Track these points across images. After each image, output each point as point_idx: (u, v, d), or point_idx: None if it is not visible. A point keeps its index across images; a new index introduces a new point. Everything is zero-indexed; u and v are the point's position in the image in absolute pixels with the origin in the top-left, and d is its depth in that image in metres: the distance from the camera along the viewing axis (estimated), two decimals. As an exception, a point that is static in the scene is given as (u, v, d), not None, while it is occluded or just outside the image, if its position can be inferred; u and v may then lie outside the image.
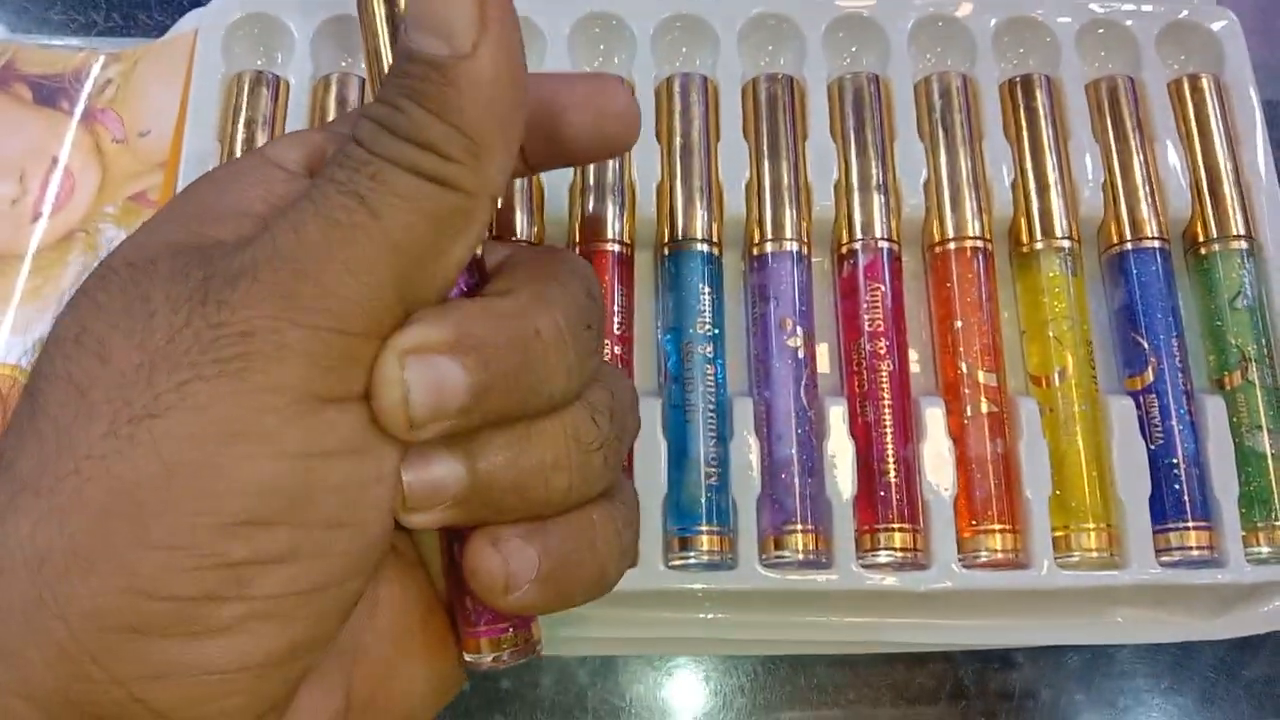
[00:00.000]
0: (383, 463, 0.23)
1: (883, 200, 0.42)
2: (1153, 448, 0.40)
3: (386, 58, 0.25)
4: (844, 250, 0.42)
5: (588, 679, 0.41)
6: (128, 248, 0.24)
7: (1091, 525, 0.39)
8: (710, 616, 0.40)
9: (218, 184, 0.26)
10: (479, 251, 0.26)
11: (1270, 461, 0.40)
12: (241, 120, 0.43)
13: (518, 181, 0.41)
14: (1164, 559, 0.39)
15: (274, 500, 0.21)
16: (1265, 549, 0.39)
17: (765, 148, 0.43)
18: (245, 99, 0.44)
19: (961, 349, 0.41)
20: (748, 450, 0.39)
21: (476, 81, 0.22)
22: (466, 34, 0.23)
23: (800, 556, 0.38)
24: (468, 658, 0.26)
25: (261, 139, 0.43)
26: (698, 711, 0.41)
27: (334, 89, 0.44)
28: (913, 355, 0.42)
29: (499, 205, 0.24)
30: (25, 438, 0.21)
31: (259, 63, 0.45)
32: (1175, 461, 0.40)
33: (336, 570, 0.22)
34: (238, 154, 0.43)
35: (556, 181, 0.42)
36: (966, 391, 0.40)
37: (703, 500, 0.39)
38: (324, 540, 0.22)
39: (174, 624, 0.20)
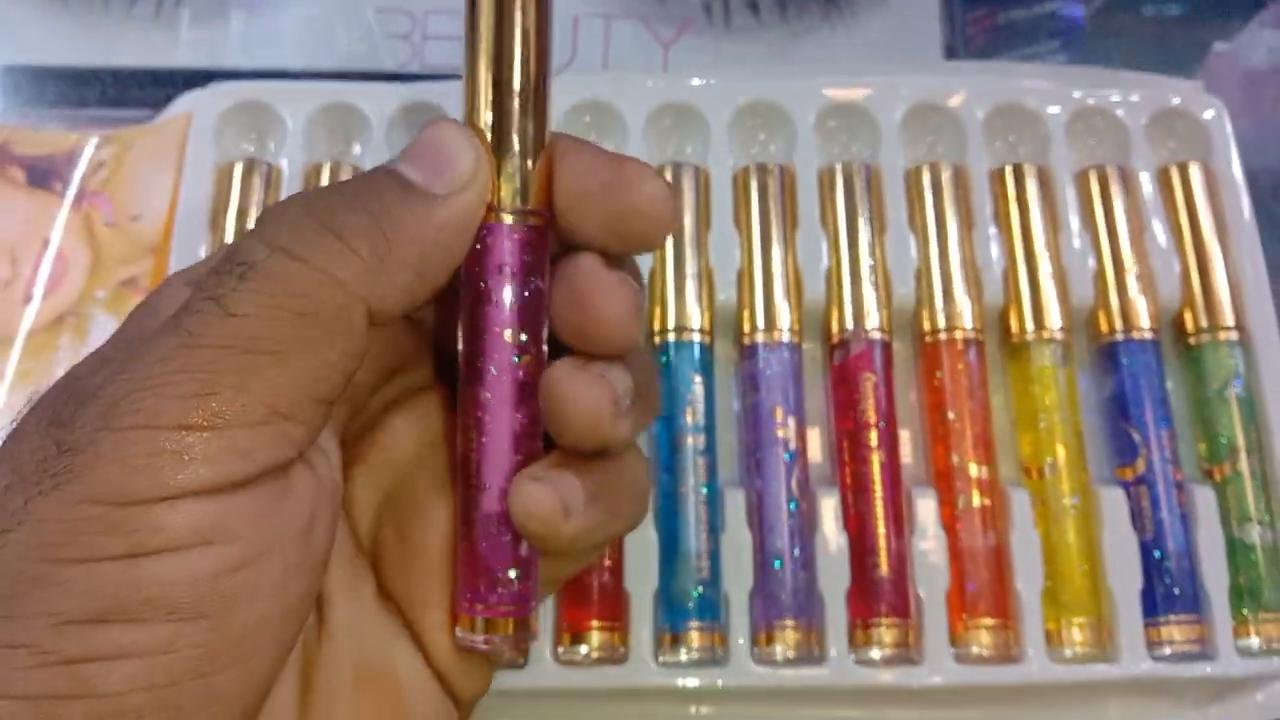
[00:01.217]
0: (233, 550, 0.22)
1: (874, 289, 0.42)
2: (1143, 539, 0.40)
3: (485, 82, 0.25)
4: (835, 340, 0.42)
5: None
6: None
7: (1083, 619, 0.39)
8: (702, 711, 0.40)
9: (144, 310, 0.26)
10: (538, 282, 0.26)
11: (1260, 553, 0.40)
12: (233, 209, 0.43)
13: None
14: (1155, 652, 0.39)
15: (100, 600, 0.21)
16: (1255, 641, 0.39)
17: (756, 237, 0.43)
18: (237, 187, 0.44)
19: (953, 441, 0.41)
20: (740, 543, 0.39)
21: (429, 218, 0.23)
22: (450, 181, 0.24)
23: (792, 653, 0.38)
24: (460, 633, 0.26)
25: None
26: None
27: (326, 176, 0.44)
28: (905, 437, 0.42)
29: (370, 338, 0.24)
30: None
31: (251, 149, 0.46)
32: (1166, 554, 0.40)
33: (189, 664, 0.21)
34: (228, 242, 0.43)
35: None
36: (959, 484, 0.40)
37: (694, 594, 0.39)
38: (167, 635, 0.21)
39: None
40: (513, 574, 0.26)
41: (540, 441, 0.26)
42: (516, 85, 0.25)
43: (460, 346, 0.26)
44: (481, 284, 0.25)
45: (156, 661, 0.21)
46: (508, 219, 0.25)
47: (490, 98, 0.25)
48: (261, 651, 0.23)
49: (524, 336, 0.25)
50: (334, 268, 0.22)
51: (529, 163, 0.25)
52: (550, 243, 0.26)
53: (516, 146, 0.25)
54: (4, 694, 0.20)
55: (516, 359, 0.25)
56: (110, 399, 0.21)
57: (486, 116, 0.25)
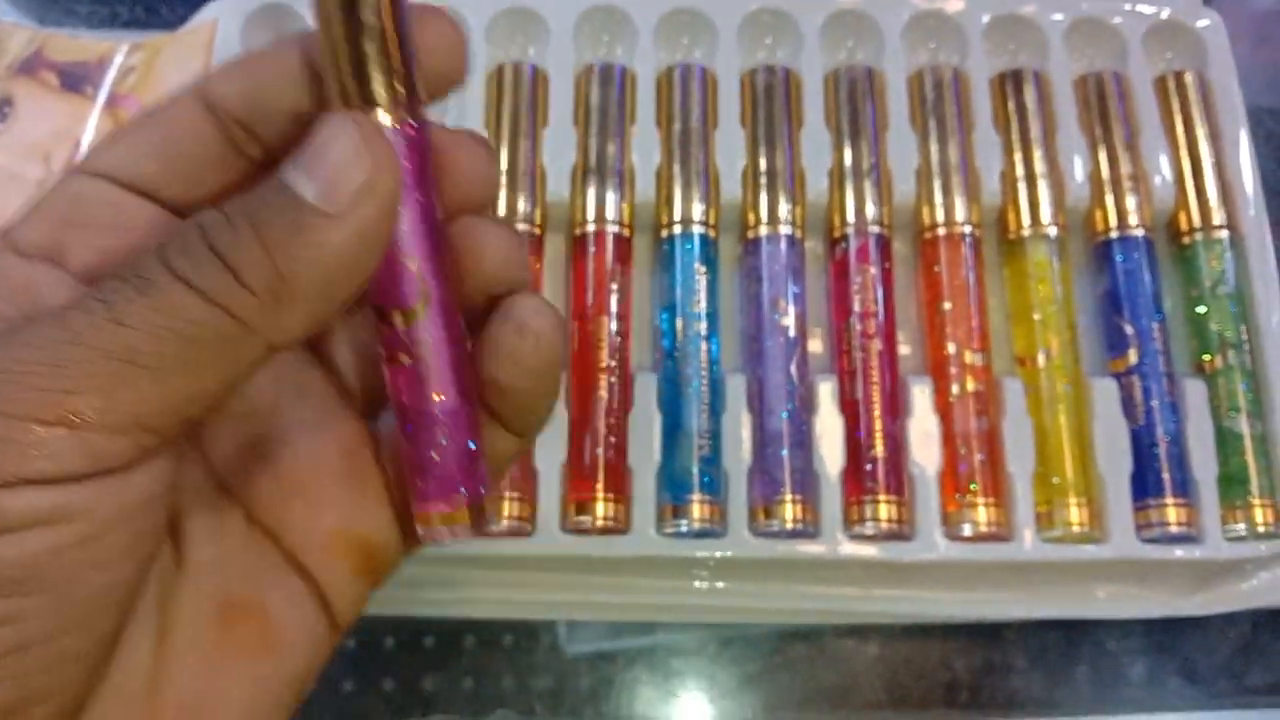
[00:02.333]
0: (76, 529, 0.21)
1: (875, 187, 0.43)
2: (1134, 428, 0.41)
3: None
4: (836, 235, 0.43)
5: (588, 684, 0.43)
6: None
7: (1073, 500, 0.40)
8: (700, 585, 0.41)
9: None
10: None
11: (1248, 442, 0.41)
12: (257, 104, 0.45)
13: (521, 164, 0.43)
14: (1144, 534, 0.40)
15: None
16: (1242, 526, 0.40)
17: (761, 136, 0.44)
18: (261, 84, 0.45)
19: (949, 329, 0.42)
20: (739, 424, 0.41)
21: (325, 241, 0.22)
22: (345, 195, 0.22)
23: (789, 526, 0.39)
24: (422, 531, 0.26)
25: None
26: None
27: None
28: (902, 338, 0.43)
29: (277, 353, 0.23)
30: None
31: (275, 51, 0.47)
32: (1156, 441, 0.41)
33: (36, 632, 0.21)
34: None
35: (558, 164, 0.43)
36: (953, 371, 0.41)
37: (695, 471, 0.40)
38: (12, 609, 0.21)
39: None
40: (464, 469, 0.26)
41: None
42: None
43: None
44: None
45: (4, 633, 0.21)
46: (388, 120, 0.23)
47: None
48: (107, 611, 0.22)
49: (434, 241, 0.25)
50: (230, 305, 0.22)
51: (395, 60, 0.23)
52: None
53: (378, 46, 0.23)
54: None
55: (434, 265, 0.25)
56: None
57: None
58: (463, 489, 0.26)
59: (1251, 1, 0.58)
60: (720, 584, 0.41)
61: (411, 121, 0.24)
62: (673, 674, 0.43)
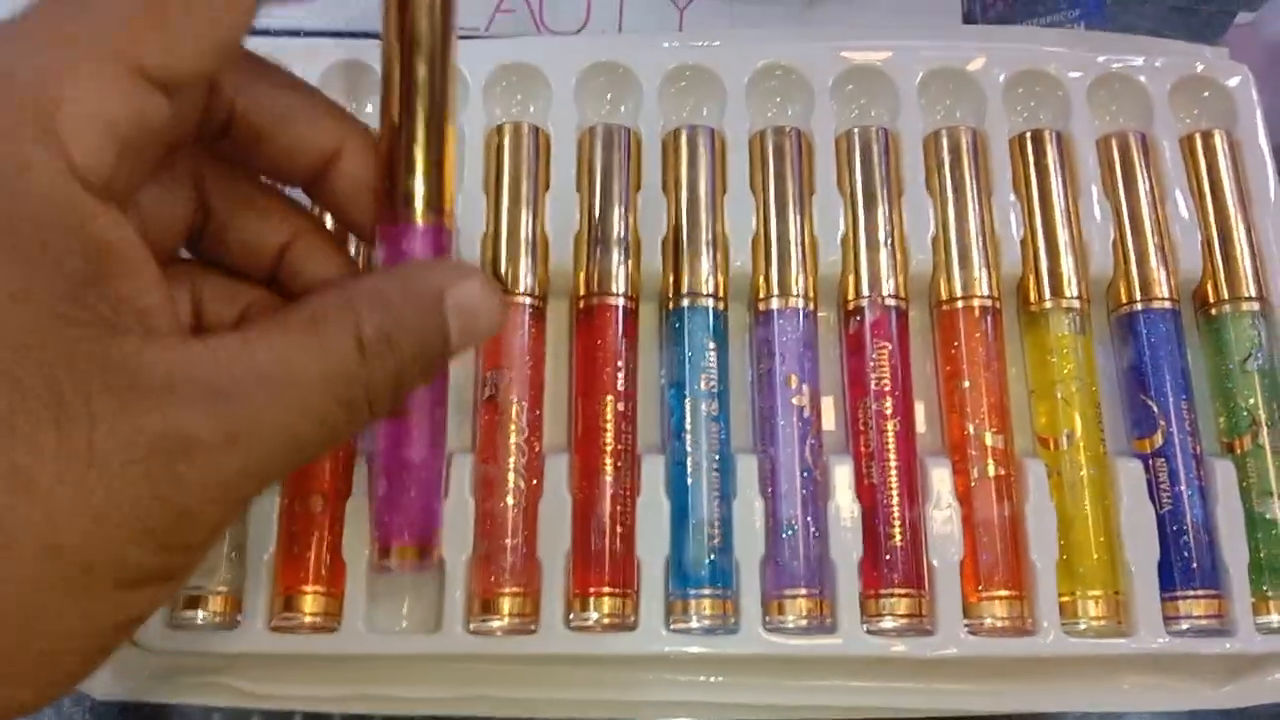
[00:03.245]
0: None
1: (890, 256, 0.42)
2: (1161, 512, 0.40)
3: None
4: (850, 306, 0.42)
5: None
6: None
7: (1099, 592, 0.39)
8: (712, 680, 0.39)
9: None
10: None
11: (1280, 529, 0.39)
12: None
13: (522, 232, 0.41)
14: (1172, 628, 0.38)
15: None
16: (1275, 618, 0.39)
17: (772, 201, 0.42)
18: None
19: (969, 409, 0.40)
20: (751, 510, 0.39)
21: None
22: (468, 346, 0.27)
23: (804, 622, 0.38)
24: (378, 560, 0.31)
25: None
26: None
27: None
28: (919, 409, 0.42)
29: None
30: None
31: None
32: (1184, 527, 0.39)
33: None
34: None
35: (560, 231, 0.41)
36: (973, 454, 0.40)
37: (706, 562, 0.38)
38: None
39: None
40: (424, 513, 0.30)
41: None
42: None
43: None
44: None
45: None
46: (430, 219, 0.29)
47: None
48: None
49: None
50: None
51: (433, 177, 0.29)
52: None
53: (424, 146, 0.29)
54: None
55: None
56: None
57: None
58: (417, 532, 0.30)
59: (1263, 31, 0.56)
60: (734, 679, 0.39)
61: (439, 222, 0.29)
62: None
